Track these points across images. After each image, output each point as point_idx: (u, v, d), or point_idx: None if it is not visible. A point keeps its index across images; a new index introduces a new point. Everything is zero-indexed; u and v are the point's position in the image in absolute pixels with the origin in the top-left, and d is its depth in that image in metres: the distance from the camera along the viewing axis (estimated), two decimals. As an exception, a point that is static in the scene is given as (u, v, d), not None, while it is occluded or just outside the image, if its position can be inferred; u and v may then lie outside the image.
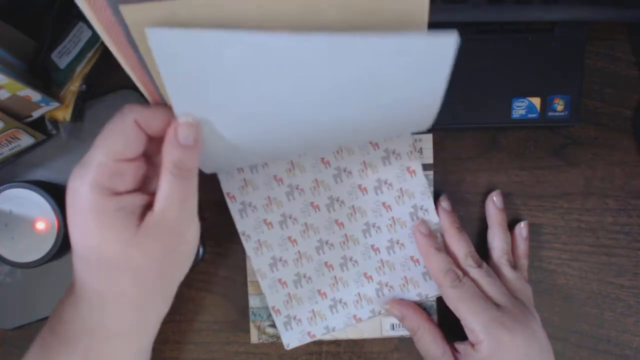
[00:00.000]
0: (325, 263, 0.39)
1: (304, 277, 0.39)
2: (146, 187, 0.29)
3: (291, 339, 0.39)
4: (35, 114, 0.36)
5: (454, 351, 0.36)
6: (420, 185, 0.39)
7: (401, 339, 0.40)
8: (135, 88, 0.39)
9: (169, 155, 0.27)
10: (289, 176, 0.38)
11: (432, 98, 0.28)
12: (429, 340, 0.36)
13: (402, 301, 0.39)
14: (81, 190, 0.26)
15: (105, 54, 0.38)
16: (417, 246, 0.38)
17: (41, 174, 0.39)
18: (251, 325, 0.40)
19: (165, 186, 0.27)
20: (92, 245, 0.27)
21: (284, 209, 0.38)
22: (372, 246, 0.39)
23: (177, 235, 0.28)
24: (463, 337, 0.35)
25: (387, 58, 0.24)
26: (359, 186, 0.39)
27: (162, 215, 0.27)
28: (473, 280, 0.35)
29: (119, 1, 0.20)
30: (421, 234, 0.38)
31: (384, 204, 0.39)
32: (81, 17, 0.35)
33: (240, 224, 0.38)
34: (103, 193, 0.26)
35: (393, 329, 0.40)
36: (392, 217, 0.39)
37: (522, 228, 0.39)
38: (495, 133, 0.40)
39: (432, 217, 0.39)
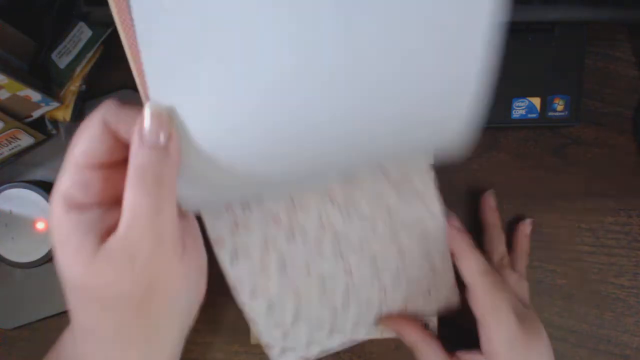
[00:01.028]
0: (328, 300, 0.36)
1: (304, 317, 0.36)
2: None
3: None
4: (35, 114, 0.36)
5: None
6: (437, 222, 0.35)
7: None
8: (135, 88, 0.39)
9: (133, 157, 0.21)
10: (289, 215, 0.33)
11: (465, 84, 0.22)
12: (430, 354, 0.35)
13: (396, 318, 0.37)
14: (51, 202, 0.22)
15: (105, 54, 0.38)
16: (448, 242, 0.35)
17: (41, 174, 0.39)
18: (250, 325, 0.40)
19: (129, 198, 0.21)
20: (59, 267, 0.22)
21: (283, 252, 0.34)
22: (378, 279, 0.36)
23: (145, 268, 0.22)
24: (461, 344, 0.35)
25: (414, 20, 0.19)
26: (369, 220, 0.35)
27: (126, 236, 0.21)
28: (506, 282, 0.35)
29: None
30: (455, 229, 0.35)
31: (394, 239, 0.35)
32: (81, 17, 0.35)
33: (231, 274, 0.33)
34: (64, 205, 0.22)
35: (393, 329, 0.40)
36: (401, 249, 0.36)
37: (526, 225, 0.39)
38: (496, 133, 0.40)
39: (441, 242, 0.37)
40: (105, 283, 0.22)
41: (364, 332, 0.38)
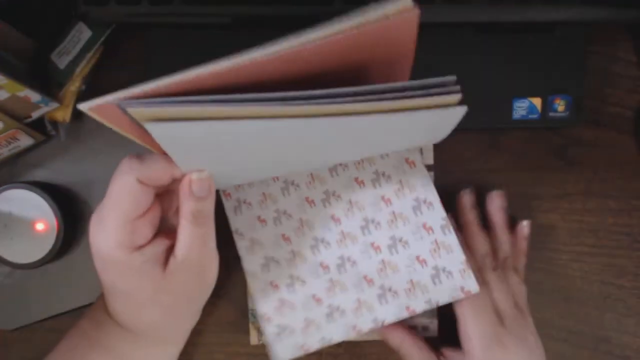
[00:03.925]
0: (321, 264, 0.36)
1: (298, 279, 0.36)
2: (163, 225, 0.31)
3: (282, 352, 0.34)
4: (35, 115, 0.36)
5: (440, 356, 0.36)
6: (421, 177, 0.37)
7: (401, 340, 0.40)
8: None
9: (186, 206, 0.29)
10: (285, 174, 0.37)
11: (439, 136, 0.34)
12: (415, 353, 0.36)
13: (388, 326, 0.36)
14: (105, 248, 0.28)
15: (105, 54, 0.38)
16: (461, 220, 0.37)
17: (40, 175, 0.39)
18: (250, 326, 0.40)
19: (186, 234, 0.29)
20: (122, 290, 0.30)
21: (278, 204, 0.37)
22: (372, 244, 0.36)
23: (199, 273, 0.31)
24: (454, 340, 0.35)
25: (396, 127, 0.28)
26: (356, 179, 0.37)
27: (185, 260, 0.30)
28: (486, 283, 0.35)
29: (125, 105, 0.24)
30: (468, 208, 0.38)
31: (382, 197, 0.37)
32: (81, 17, 0.35)
33: (234, 221, 0.37)
34: (126, 251, 0.28)
35: (393, 330, 0.40)
36: (393, 212, 0.36)
37: (524, 227, 0.38)
38: (496, 133, 0.40)
39: (438, 211, 0.36)
40: (173, 293, 0.31)
41: (370, 320, 0.35)
